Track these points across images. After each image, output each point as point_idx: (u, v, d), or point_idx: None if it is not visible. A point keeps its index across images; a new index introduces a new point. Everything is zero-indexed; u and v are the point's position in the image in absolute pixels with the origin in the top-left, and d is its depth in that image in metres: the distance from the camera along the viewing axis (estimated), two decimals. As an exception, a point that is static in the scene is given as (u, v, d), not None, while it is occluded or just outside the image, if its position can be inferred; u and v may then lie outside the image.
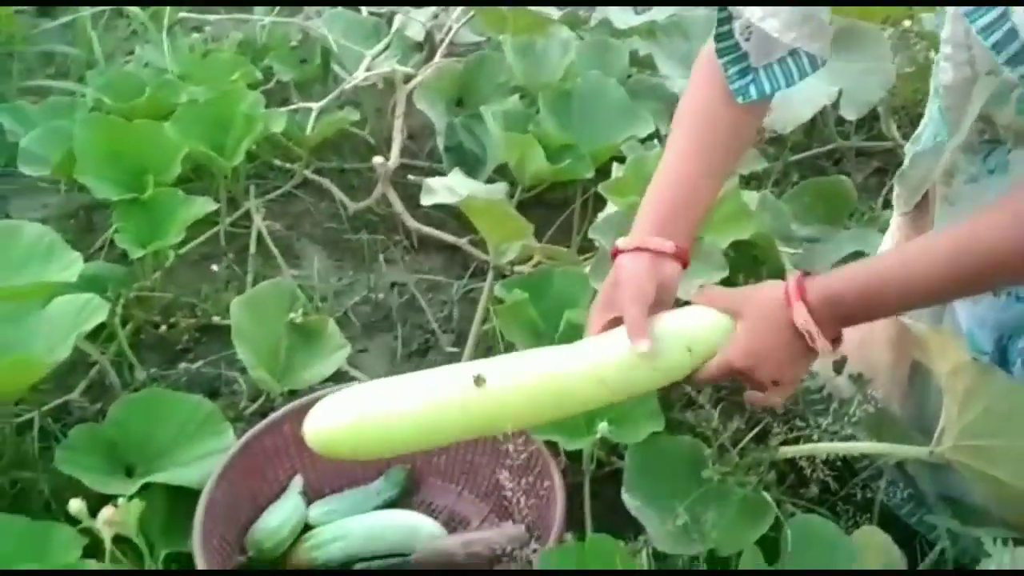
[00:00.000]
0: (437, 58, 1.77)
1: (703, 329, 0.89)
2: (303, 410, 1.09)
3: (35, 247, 1.20)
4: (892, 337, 1.05)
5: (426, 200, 1.31)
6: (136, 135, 1.37)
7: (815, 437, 0.97)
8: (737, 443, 1.01)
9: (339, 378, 1.26)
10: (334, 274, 1.54)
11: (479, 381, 0.87)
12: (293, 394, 1.19)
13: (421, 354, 1.41)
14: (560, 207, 1.57)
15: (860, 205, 1.53)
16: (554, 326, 1.09)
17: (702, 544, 0.95)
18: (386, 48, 1.73)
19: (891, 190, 1.65)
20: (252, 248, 1.52)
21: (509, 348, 1.29)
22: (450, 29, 1.83)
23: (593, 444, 1.05)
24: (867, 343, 1.05)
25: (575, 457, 1.10)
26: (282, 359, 1.21)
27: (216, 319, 1.39)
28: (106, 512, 0.90)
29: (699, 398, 1.08)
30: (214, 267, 1.46)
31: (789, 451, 0.99)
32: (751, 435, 1.02)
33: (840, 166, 1.77)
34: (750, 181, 1.55)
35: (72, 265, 1.18)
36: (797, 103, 1.49)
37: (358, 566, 1.05)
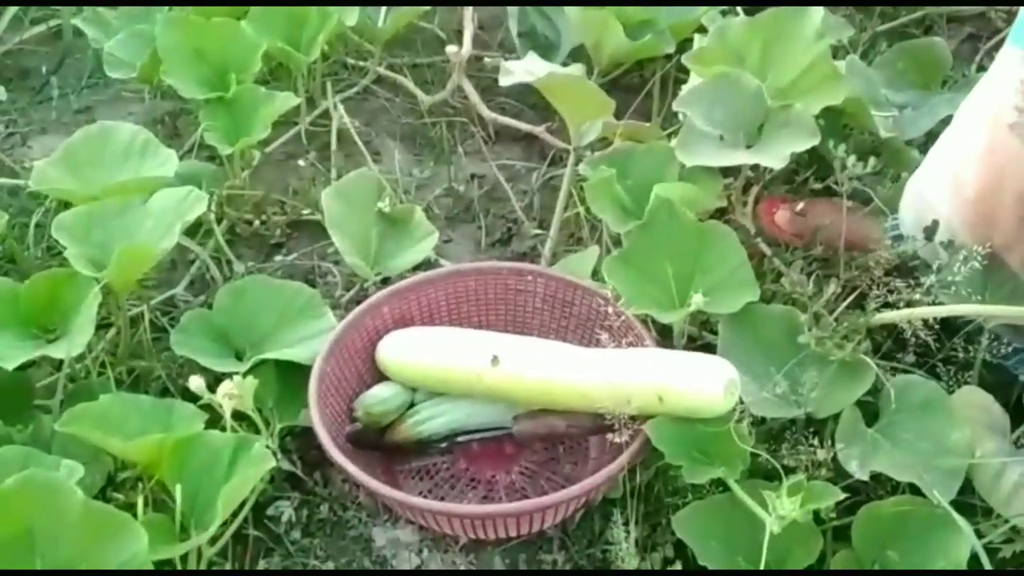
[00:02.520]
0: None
1: (686, 392, 0.93)
2: (400, 293, 1.15)
3: (131, 146, 1.24)
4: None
5: (504, 81, 1.30)
6: (215, 34, 1.38)
7: (916, 299, 0.96)
8: (833, 310, 1.01)
9: (428, 265, 1.29)
10: (415, 167, 1.55)
11: (495, 362, 1.02)
12: (386, 281, 1.23)
13: (504, 243, 1.42)
14: (638, 90, 1.54)
15: (953, 72, 1.46)
16: (642, 202, 1.08)
17: (800, 408, 0.96)
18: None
19: (985, 55, 1.57)
20: (333, 145, 1.53)
21: (595, 229, 1.30)
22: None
23: (684, 319, 1.06)
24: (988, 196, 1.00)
25: (667, 333, 1.11)
26: (373, 247, 1.24)
27: (306, 214, 1.43)
28: (225, 386, 0.95)
29: (789, 270, 1.08)
30: (300, 163, 1.49)
31: (887, 316, 0.99)
32: (847, 302, 1.02)
33: (931, 34, 1.69)
34: (837, 51, 1.49)
35: (168, 161, 1.22)
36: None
37: (460, 439, 1.10)
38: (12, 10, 1.75)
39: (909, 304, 0.98)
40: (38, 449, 0.90)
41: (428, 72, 1.71)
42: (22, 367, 0.99)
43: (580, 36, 1.49)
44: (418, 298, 1.16)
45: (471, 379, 1.05)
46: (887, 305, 0.98)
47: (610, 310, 1.02)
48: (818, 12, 1.15)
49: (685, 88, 1.19)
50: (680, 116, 1.17)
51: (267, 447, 0.92)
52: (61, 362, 1.03)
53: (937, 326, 1.00)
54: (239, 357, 1.12)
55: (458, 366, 1.05)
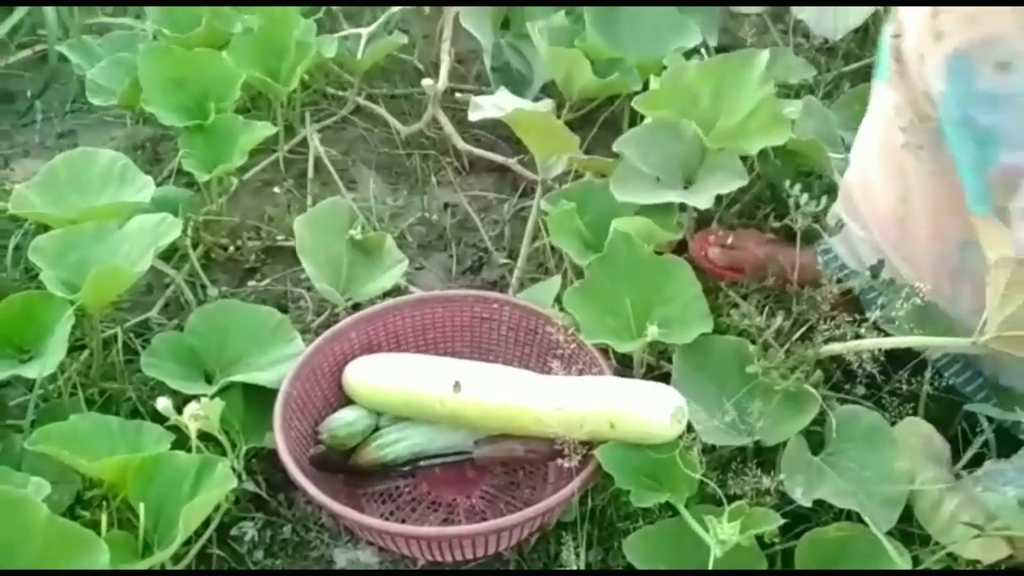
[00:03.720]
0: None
1: (635, 418, 0.97)
2: (367, 319, 1.18)
3: (110, 171, 1.27)
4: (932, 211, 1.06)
5: (474, 116, 1.35)
6: (196, 63, 1.42)
7: (860, 333, 1.00)
8: (782, 342, 1.05)
9: (398, 292, 1.32)
10: (389, 196, 1.58)
11: (456, 387, 1.06)
12: (356, 307, 1.26)
13: (475, 271, 1.46)
14: (608, 125, 1.59)
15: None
16: (602, 235, 1.12)
17: (748, 437, 1.00)
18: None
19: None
20: (310, 173, 1.57)
21: (561, 259, 1.33)
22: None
23: (643, 348, 1.10)
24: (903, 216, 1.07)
25: (627, 362, 1.15)
26: (344, 274, 1.27)
27: (280, 240, 1.46)
28: (191, 407, 0.97)
29: (744, 303, 1.12)
30: (276, 190, 1.52)
31: (834, 348, 1.03)
32: (797, 334, 1.06)
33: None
34: (800, 92, 1.55)
35: (145, 188, 1.25)
36: (848, 9, 1.47)
37: (423, 463, 1.13)
38: (-1, 34, 1.79)
39: (856, 337, 1.03)
40: (7, 467, 0.92)
41: (405, 103, 1.75)
42: (-5, 386, 1.02)
43: (551, 72, 1.54)
44: (385, 324, 1.19)
45: (434, 404, 1.08)
46: (834, 339, 1.02)
47: (562, 338, 1.06)
48: (764, 56, 1.21)
49: (631, 130, 1.24)
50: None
51: (232, 468, 0.94)
52: (34, 382, 1.05)
53: (883, 359, 1.04)
54: (209, 380, 1.15)
55: (421, 391, 1.09)
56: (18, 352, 1.09)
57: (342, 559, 1.04)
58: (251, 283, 1.40)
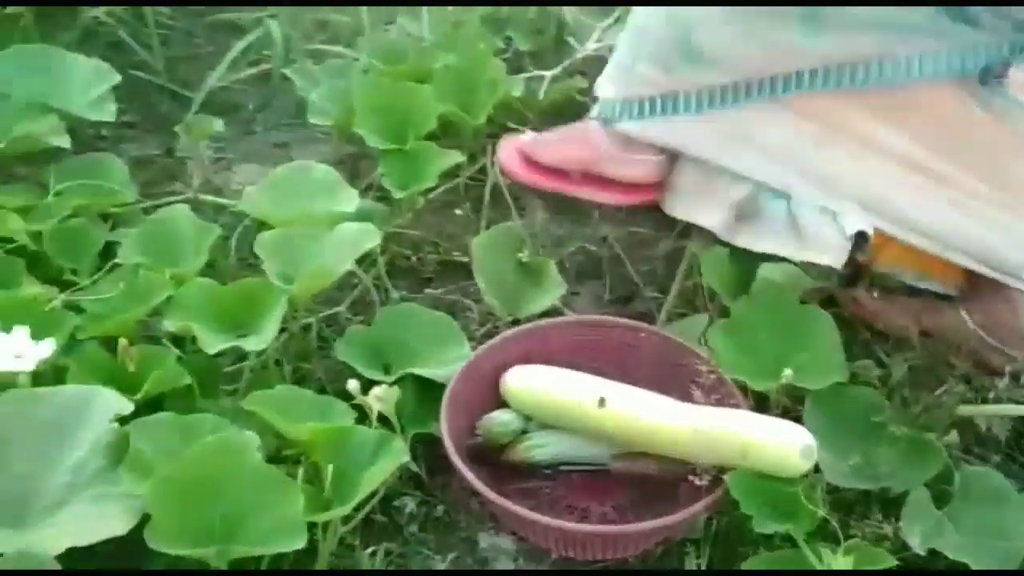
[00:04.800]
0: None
1: (767, 449, 1.05)
2: (528, 333, 1.32)
3: (323, 183, 1.47)
4: None
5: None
6: (402, 94, 1.62)
7: (993, 398, 1.04)
8: (917, 398, 1.11)
9: (553, 313, 1.45)
10: (554, 225, 1.72)
11: (601, 403, 1.16)
12: (515, 322, 1.40)
13: (624, 302, 1.57)
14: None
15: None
16: (751, 279, 1.21)
17: (873, 483, 1.06)
18: (616, 22, 1.89)
19: None
20: (486, 199, 1.73)
21: (708, 300, 1.43)
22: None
23: (778, 389, 1.18)
24: None
25: (762, 401, 1.23)
26: (509, 292, 1.42)
27: (455, 256, 1.63)
28: (376, 390, 1.14)
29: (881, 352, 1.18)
30: (457, 211, 1.69)
31: (969, 410, 1.07)
32: (933, 393, 1.11)
33: None
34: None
35: (351, 200, 1.45)
36: None
37: (564, 469, 1.25)
38: (233, 53, 2.07)
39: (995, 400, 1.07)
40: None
41: (577, 141, 1.89)
42: (216, 354, 1.22)
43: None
44: (542, 340, 1.32)
45: (579, 416, 1.20)
46: (968, 401, 1.07)
47: (704, 369, 1.15)
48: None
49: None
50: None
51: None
52: (246, 354, 1.25)
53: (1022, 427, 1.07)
54: (386, 370, 1.32)
55: (570, 402, 1.21)
56: (236, 328, 1.29)
57: (485, 542, 1.18)
58: (428, 291, 1.57)
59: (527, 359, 1.32)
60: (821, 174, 1.19)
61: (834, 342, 1.13)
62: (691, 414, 1.11)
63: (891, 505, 1.07)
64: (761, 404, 1.23)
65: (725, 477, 1.05)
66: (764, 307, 1.16)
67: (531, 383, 1.26)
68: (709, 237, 1.34)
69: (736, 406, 1.15)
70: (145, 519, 0.93)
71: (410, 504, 1.20)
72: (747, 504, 1.02)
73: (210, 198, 1.72)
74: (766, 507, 1.03)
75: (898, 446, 1.04)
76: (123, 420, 1.02)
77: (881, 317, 1.28)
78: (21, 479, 0.97)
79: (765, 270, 1.17)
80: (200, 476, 0.94)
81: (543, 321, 1.33)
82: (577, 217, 1.73)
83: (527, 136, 1.52)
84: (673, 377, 1.28)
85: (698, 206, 1.33)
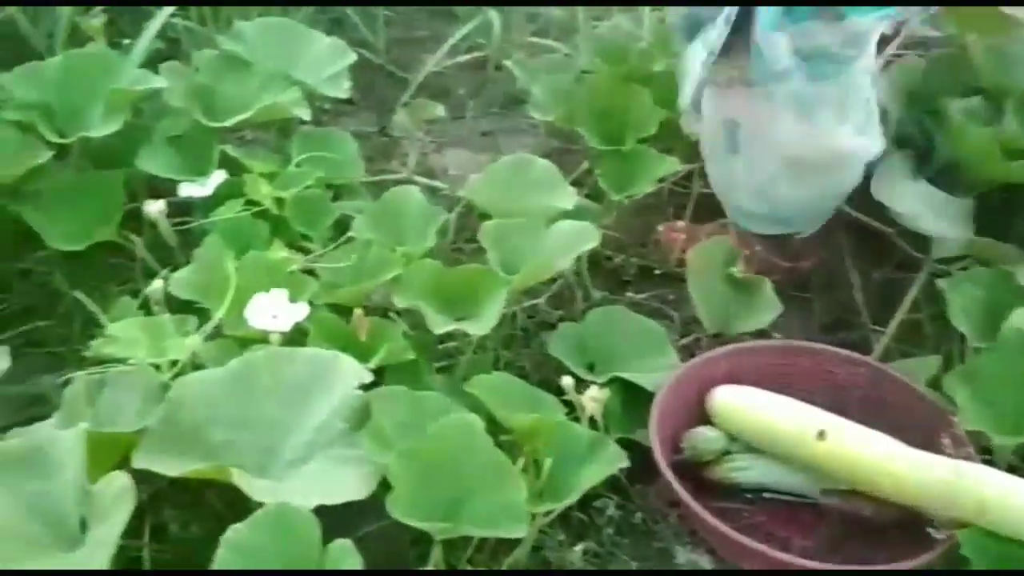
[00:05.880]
0: (892, 49, 1.82)
1: (1012, 509, 0.99)
2: (739, 352, 1.30)
3: (542, 178, 1.50)
4: None
5: (879, 195, 1.40)
6: (624, 97, 1.62)
7: None
8: None
9: (761, 334, 1.42)
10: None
11: (821, 435, 1.14)
12: (716, 336, 1.39)
13: (832, 329, 1.52)
14: (1007, 210, 1.56)
15: None
16: (997, 322, 1.14)
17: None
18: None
19: None
20: (689, 210, 1.71)
21: (945, 336, 1.35)
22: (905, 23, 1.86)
23: (1013, 447, 1.11)
24: None
25: (983, 451, 1.16)
26: (719, 305, 1.40)
27: (653, 261, 1.62)
28: (593, 391, 1.15)
29: None
30: (659, 228, 1.67)
31: None
32: None
33: None
34: None
35: (569, 197, 1.46)
36: None
37: (767, 495, 1.22)
38: (454, 39, 2.13)
39: None
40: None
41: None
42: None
43: (957, 150, 1.55)
44: (754, 360, 1.30)
45: (793, 444, 1.17)
46: None
47: (941, 417, 1.09)
48: None
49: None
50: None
51: (614, 450, 1.10)
52: (453, 335, 1.29)
53: None
54: (590, 368, 1.33)
55: (785, 429, 1.18)
56: (454, 310, 1.33)
57: (682, 557, 1.17)
58: (628, 294, 1.57)
59: (735, 378, 1.29)
60: None
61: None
62: (924, 461, 1.07)
63: None
64: (983, 455, 1.16)
65: (957, 533, 1.00)
66: (1010, 356, 1.09)
67: (742, 403, 1.24)
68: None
69: (968, 458, 1.09)
70: (381, 485, 0.98)
71: (610, 507, 1.21)
72: (979, 563, 0.97)
73: (424, 180, 1.78)
74: (1002, 569, 0.97)
75: None
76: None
77: None
78: (269, 431, 1.04)
79: (1018, 317, 1.10)
80: (438, 453, 0.98)
81: (756, 342, 1.31)
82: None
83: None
84: (891, 416, 1.23)
85: None
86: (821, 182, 1.43)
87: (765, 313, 1.39)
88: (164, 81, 1.49)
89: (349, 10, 2.19)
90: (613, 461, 1.07)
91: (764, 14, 1.27)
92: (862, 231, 1.66)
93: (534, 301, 1.55)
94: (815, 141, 1.36)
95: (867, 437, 1.13)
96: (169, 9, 1.74)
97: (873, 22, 1.31)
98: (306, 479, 0.98)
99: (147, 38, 1.65)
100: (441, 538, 0.99)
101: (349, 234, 1.39)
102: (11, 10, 1.87)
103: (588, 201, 1.64)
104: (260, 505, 0.94)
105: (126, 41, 1.86)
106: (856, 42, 1.32)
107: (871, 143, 1.41)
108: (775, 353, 1.30)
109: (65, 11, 1.79)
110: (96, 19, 1.74)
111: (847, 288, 1.56)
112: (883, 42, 1.86)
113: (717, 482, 1.23)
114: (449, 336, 1.34)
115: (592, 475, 1.06)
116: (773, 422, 1.20)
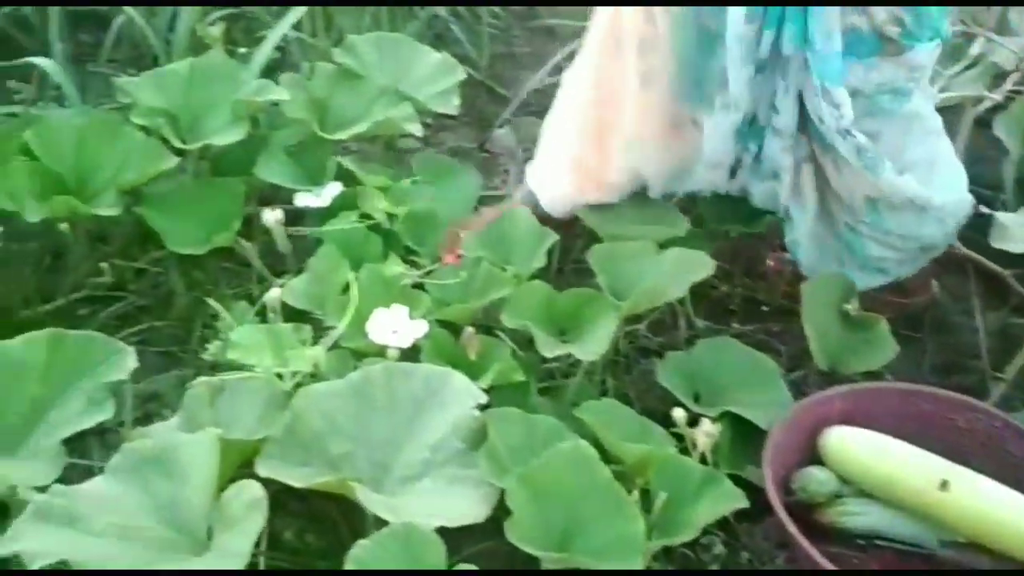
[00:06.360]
0: (1010, 85, 1.77)
1: None
2: (856, 394, 1.26)
3: (652, 203, 1.49)
4: None
5: (998, 242, 1.35)
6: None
7: None
8: None
9: (875, 376, 1.38)
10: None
11: (944, 486, 1.10)
12: (826, 374, 1.35)
13: (946, 371, 1.47)
14: None
15: None
16: None
17: None
18: (965, 69, 1.77)
19: None
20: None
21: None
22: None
23: None
24: None
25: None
26: (832, 343, 1.36)
27: (758, 294, 1.59)
28: (707, 426, 1.13)
29: None
30: (769, 262, 1.64)
31: None
32: None
33: None
34: None
35: (680, 223, 1.45)
36: None
37: (879, 543, 1.18)
38: (557, 58, 2.11)
39: None
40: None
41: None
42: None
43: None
44: (871, 402, 1.26)
45: (913, 493, 1.13)
46: None
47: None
48: None
49: None
50: None
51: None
52: (574, 361, 1.28)
53: None
54: (696, 399, 1.30)
55: (905, 478, 1.14)
56: (560, 332, 1.33)
57: (790, 602, 1.14)
58: (735, 324, 1.54)
59: (850, 419, 1.25)
60: None
61: None
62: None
63: None
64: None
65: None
66: None
67: (859, 447, 1.20)
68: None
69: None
70: (498, 509, 0.97)
71: (717, 544, 1.18)
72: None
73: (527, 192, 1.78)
74: None
75: None
76: (473, 408, 1.08)
77: None
78: (383, 445, 1.05)
79: None
80: (555, 480, 0.97)
81: (874, 383, 1.27)
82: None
83: None
84: (1011, 466, 1.18)
85: None
86: (898, 221, 1.38)
87: (880, 353, 1.35)
88: (285, 93, 1.52)
89: (454, 25, 2.21)
90: (730, 500, 1.05)
91: (825, 72, 1.24)
92: (977, 272, 1.61)
93: (634, 327, 1.53)
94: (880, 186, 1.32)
95: (992, 490, 1.09)
96: (291, 20, 1.77)
97: (932, 51, 1.27)
98: (423, 497, 0.98)
99: (267, 48, 1.68)
100: (553, 567, 0.97)
101: (458, 252, 1.39)
102: (130, 11, 1.94)
103: (697, 228, 1.61)
104: (376, 518, 0.95)
105: (241, 50, 1.91)
106: (915, 72, 1.29)
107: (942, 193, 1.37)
108: (894, 396, 1.26)
109: (186, 17, 1.84)
110: (215, 27, 1.79)
111: (960, 330, 1.51)
112: (1001, 77, 1.81)
113: (826, 525, 1.19)
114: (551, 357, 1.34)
115: (707, 512, 1.04)
116: (893, 469, 1.16)
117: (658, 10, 1.32)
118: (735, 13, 1.25)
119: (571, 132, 1.50)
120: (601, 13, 1.41)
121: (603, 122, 1.44)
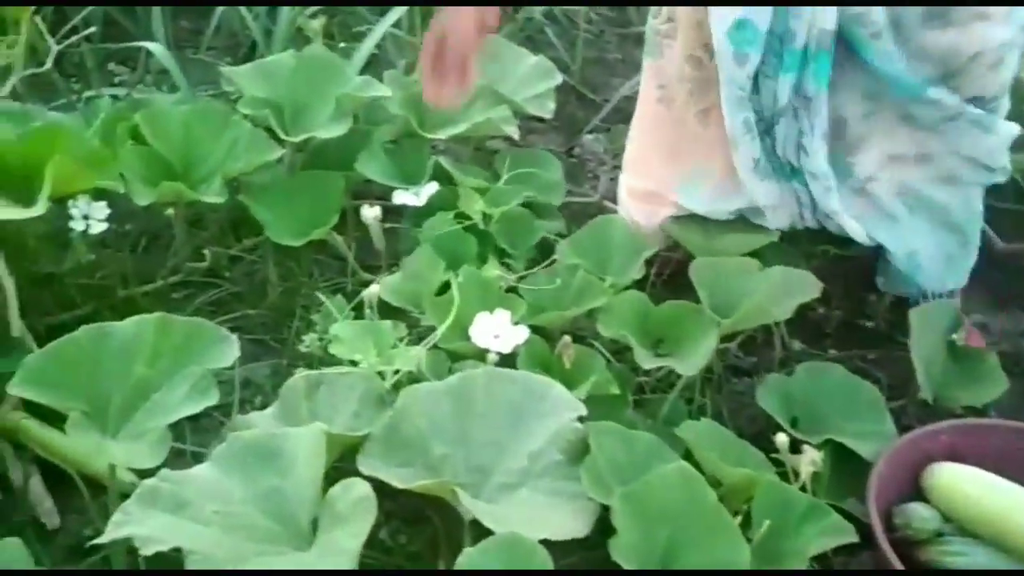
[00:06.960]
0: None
1: None
2: (964, 429, 1.21)
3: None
4: None
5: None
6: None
7: None
8: None
9: (977, 411, 1.32)
10: (990, 314, 1.57)
11: None
12: (927, 406, 1.30)
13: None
14: None
15: None
16: None
17: None
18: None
19: None
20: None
21: None
22: None
23: None
24: None
25: None
26: (937, 373, 1.31)
27: (856, 318, 1.54)
28: (811, 453, 1.10)
29: None
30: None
31: None
32: None
33: None
34: None
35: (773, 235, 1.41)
36: None
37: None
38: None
39: None
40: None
41: (1006, 218, 1.72)
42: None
43: None
44: (979, 439, 1.20)
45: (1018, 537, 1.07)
46: None
47: None
48: None
49: None
50: None
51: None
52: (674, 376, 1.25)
53: None
54: (793, 424, 1.26)
55: (1017, 520, 1.09)
56: (655, 345, 1.30)
57: (888, 641, 1.09)
58: (830, 350, 1.50)
59: (956, 455, 1.20)
60: None
61: None
62: None
63: None
64: None
65: None
66: None
67: (968, 486, 1.15)
68: None
69: None
70: (600, 524, 0.95)
71: (813, 577, 1.14)
72: None
73: (614, 206, 1.76)
74: None
75: None
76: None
77: None
78: (482, 450, 1.03)
79: None
80: (660, 500, 0.95)
81: (984, 420, 1.22)
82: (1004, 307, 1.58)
83: None
84: None
85: None
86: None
87: (989, 388, 1.29)
88: (388, 90, 1.52)
89: (548, 28, 2.19)
90: (838, 533, 1.01)
91: (907, 87, 1.23)
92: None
93: (725, 345, 1.50)
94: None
95: None
96: (392, 17, 1.78)
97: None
98: (523, 507, 0.96)
99: (370, 44, 1.69)
100: (653, 586, 0.95)
101: (553, 257, 1.37)
102: (235, 2, 1.96)
103: (792, 247, 1.57)
104: (471, 524, 0.94)
105: (341, 44, 1.93)
106: None
107: None
108: (1006, 434, 1.21)
109: (286, 9, 1.86)
110: (316, 20, 1.80)
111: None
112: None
113: (924, 563, 1.14)
114: (643, 370, 1.31)
115: (814, 544, 1.01)
116: (1004, 510, 1.11)
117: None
118: (725, 55, 1.23)
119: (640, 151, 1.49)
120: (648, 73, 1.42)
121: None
